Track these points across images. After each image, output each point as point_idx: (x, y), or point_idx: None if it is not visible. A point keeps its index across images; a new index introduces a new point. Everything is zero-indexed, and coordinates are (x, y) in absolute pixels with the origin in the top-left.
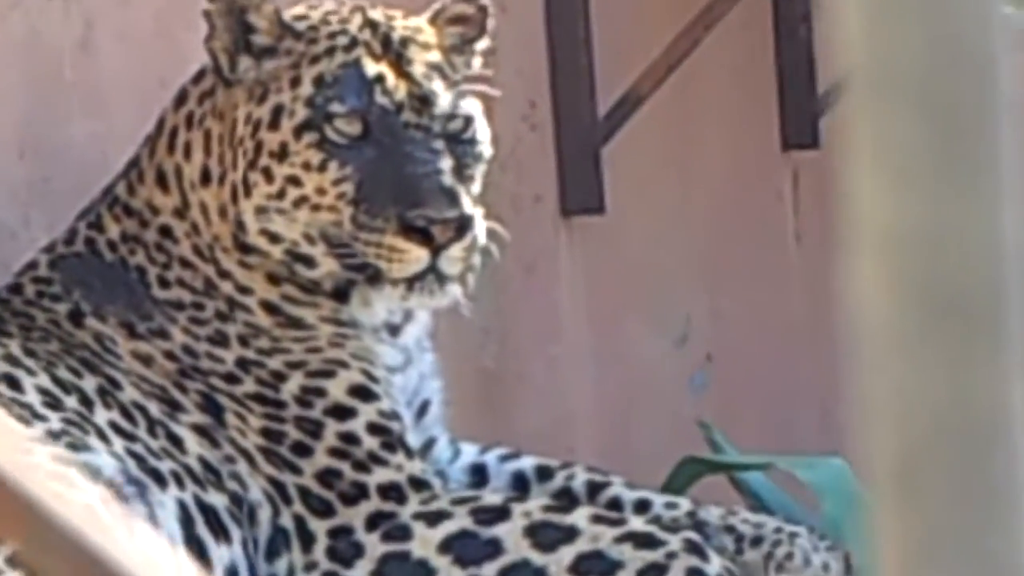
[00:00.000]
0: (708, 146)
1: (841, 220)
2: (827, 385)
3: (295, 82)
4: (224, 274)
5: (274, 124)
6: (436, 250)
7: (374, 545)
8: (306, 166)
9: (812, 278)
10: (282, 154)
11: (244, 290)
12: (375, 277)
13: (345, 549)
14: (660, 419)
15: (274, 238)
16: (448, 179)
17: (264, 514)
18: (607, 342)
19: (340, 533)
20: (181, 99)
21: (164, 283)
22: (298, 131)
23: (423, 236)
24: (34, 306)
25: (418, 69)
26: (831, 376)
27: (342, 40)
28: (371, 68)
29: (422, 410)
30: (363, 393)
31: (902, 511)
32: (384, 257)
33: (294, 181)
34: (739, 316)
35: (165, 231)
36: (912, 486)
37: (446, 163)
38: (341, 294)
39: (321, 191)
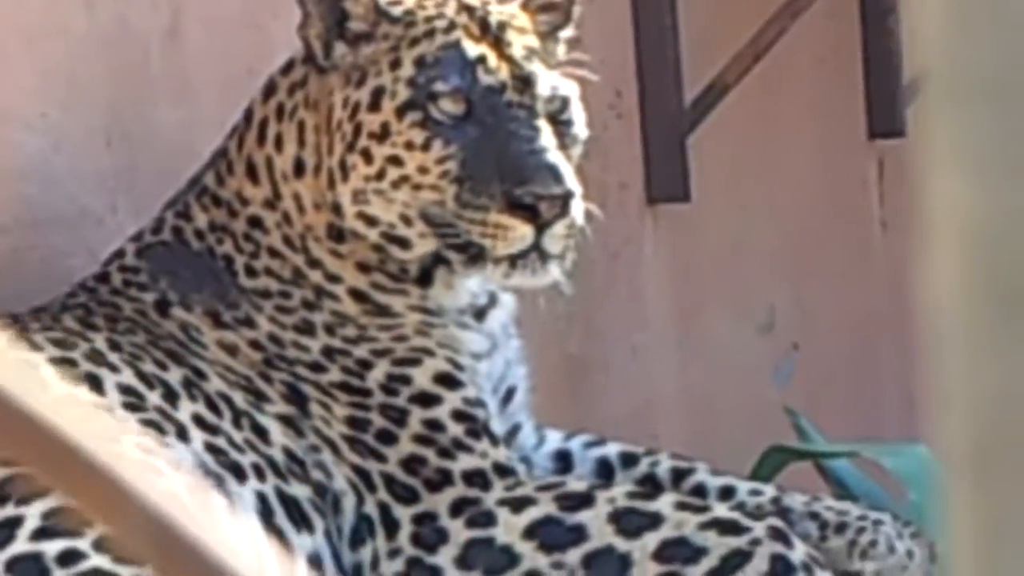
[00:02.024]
0: (794, 135)
1: (919, 214)
2: (912, 373)
3: (395, 64)
4: (314, 263)
5: (375, 105)
6: (540, 227)
7: (458, 531)
8: (408, 145)
9: (897, 266)
10: (383, 134)
11: (333, 278)
12: (478, 256)
13: (429, 535)
14: (744, 407)
15: (371, 221)
16: (553, 156)
17: (348, 503)
18: (692, 330)
19: (424, 519)
20: (270, 90)
21: (251, 272)
22: (400, 111)
23: (529, 213)
24: (121, 295)
25: (518, 51)
26: (916, 364)
27: (440, 23)
28: (472, 49)
29: (508, 396)
30: (448, 381)
31: (975, 499)
32: (489, 235)
33: (395, 161)
34: (824, 305)
35: (255, 221)
36: (985, 474)
37: (550, 140)
38: (426, 278)
39: (423, 170)
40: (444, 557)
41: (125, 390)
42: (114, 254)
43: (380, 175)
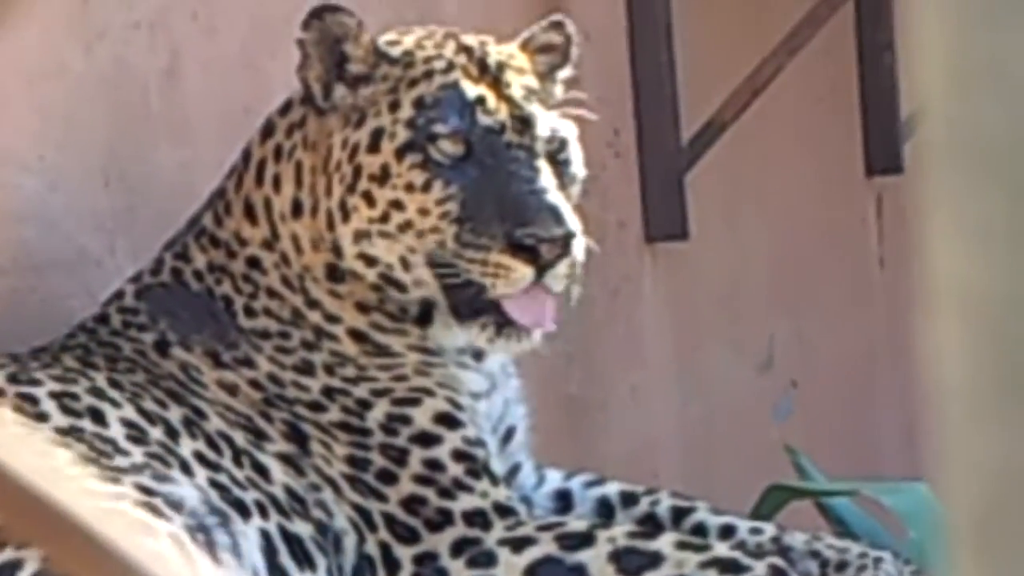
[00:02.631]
0: (792, 172)
1: (920, 282)
2: (912, 410)
3: (394, 105)
4: (313, 304)
5: (374, 147)
6: (541, 268)
7: (459, 571)
8: (409, 187)
9: (896, 303)
10: (383, 176)
11: (332, 319)
12: (475, 308)
13: (430, 575)
14: (744, 445)
15: (371, 261)
16: (553, 196)
17: (350, 542)
18: (691, 368)
19: (425, 559)
20: (268, 131)
21: (250, 312)
22: (400, 152)
23: (530, 254)
24: (120, 336)
25: (517, 91)
26: (916, 401)
27: (439, 64)
28: (471, 90)
29: (507, 436)
30: (448, 421)
31: (979, 568)
32: (489, 274)
33: (397, 205)
34: (823, 342)
35: (253, 262)
36: (988, 545)
37: (549, 181)
38: (425, 318)
39: (424, 211)
40: None
41: (128, 424)
42: (113, 295)
43: (384, 218)
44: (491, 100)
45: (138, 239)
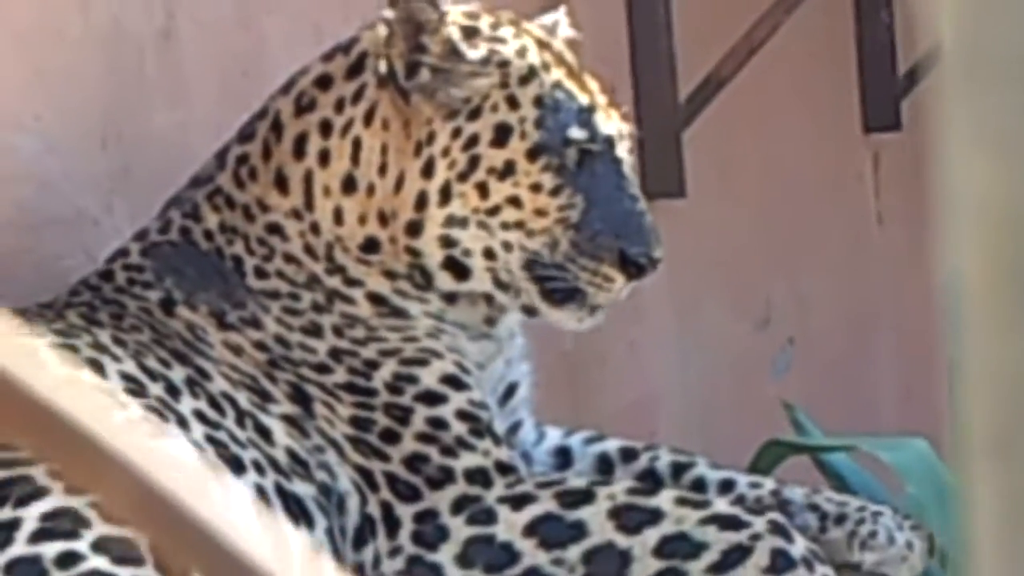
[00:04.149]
0: (789, 129)
1: (932, 197)
2: (909, 366)
3: (512, 102)
4: (335, 270)
5: (499, 142)
6: (630, 282)
7: (459, 528)
8: (535, 187)
9: (894, 259)
10: (506, 172)
11: (353, 282)
12: (568, 299)
13: (430, 533)
14: (742, 402)
15: (450, 244)
16: (651, 217)
17: (352, 503)
18: (689, 325)
19: (426, 517)
20: (308, 105)
21: (261, 273)
22: (533, 153)
23: (635, 270)
24: (125, 293)
25: (600, 97)
26: (913, 357)
27: (534, 58)
28: (581, 95)
29: (508, 393)
30: (455, 382)
31: (996, 479)
32: (595, 284)
33: (515, 201)
34: (821, 298)
35: (273, 228)
36: (1006, 454)
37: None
38: (451, 297)
39: (542, 213)
40: (445, 555)
41: (127, 377)
42: (117, 252)
43: (494, 211)
44: (600, 108)
45: (135, 199)
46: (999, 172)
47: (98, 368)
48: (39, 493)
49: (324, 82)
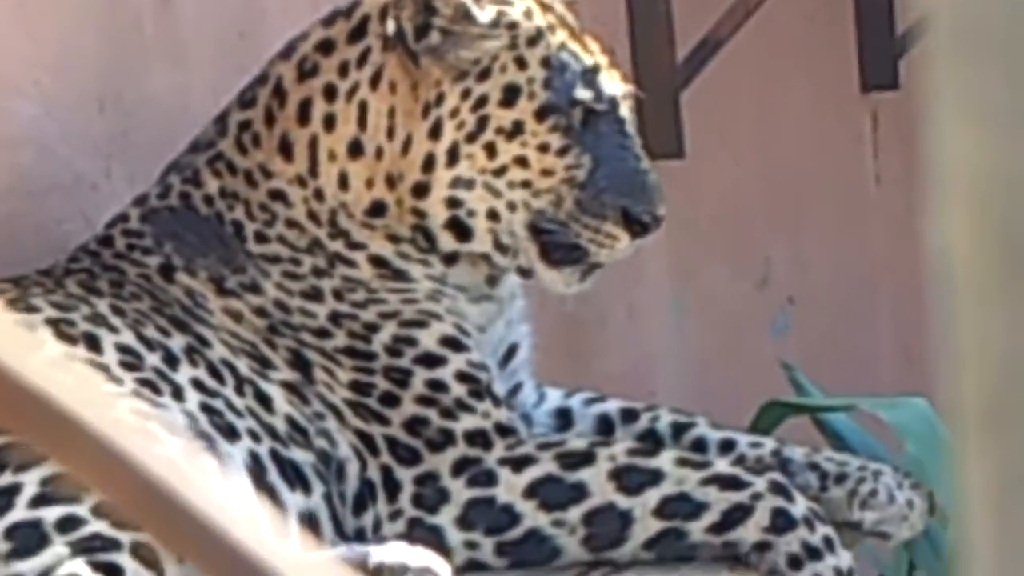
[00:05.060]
0: (787, 89)
1: (924, 165)
2: (908, 325)
3: (521, 63)
4: (337, 235)
5: (508, 103)
6: (634, 240)
7: (459, 491)
8: (543, 148)
9: (892, 219)
10: (514, 132)
11: (356, 245)
12: (569, 259)
13: (430, 496)
14: (741, 362)
15: (455, 204)
16: (654, 175)
17: (352, 469)
18: (688, 286)
19: (426, 480)
20: (311, 70)
21: (262, 238)
22: (541, 113)
23: (639, 228)
24: (124, 259)
25: (601, 57)
26: (912, 316)
27: (540, 20)
28: (585, 56)
29: (509, 355)
30: (454, 344)
31: (986, 452)
32: (598, 242)
33: (522, 161)
34: (820, 258)
35: (276, 194)
36: (996, 427)
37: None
38: (452, 258)
39: (548, 173)
40: (445, 517)
41: (123, 350)
42: (117, 217)
43: (500, 171)
44: (604, 69)
45: (133, 163)
46: (986, 142)
47: (94, 342)
48: (39, 457)
49: (326, 47)
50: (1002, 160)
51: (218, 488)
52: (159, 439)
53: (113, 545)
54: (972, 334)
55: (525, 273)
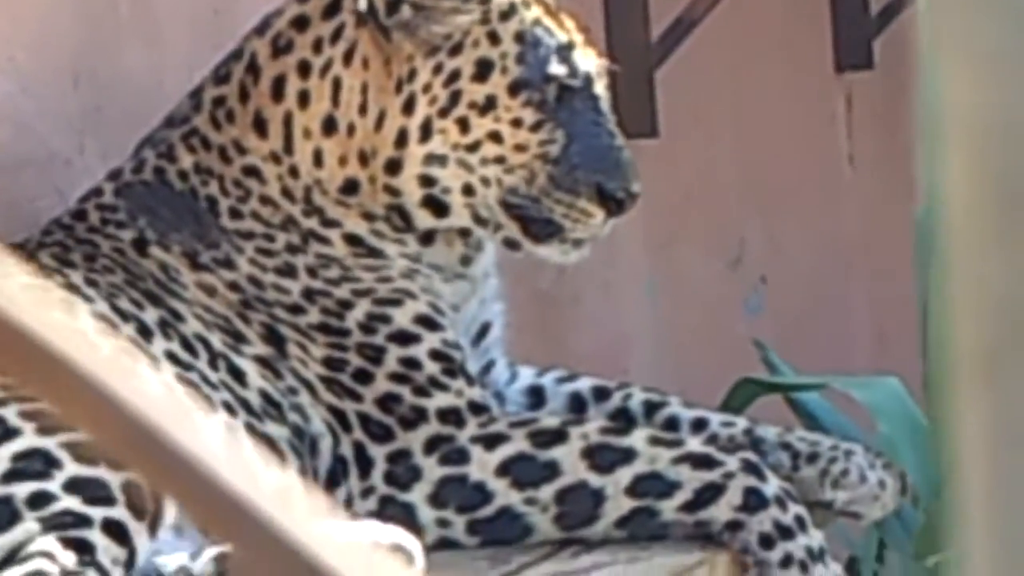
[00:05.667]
0: (761, 69)
1: (921, 113)
2: (881, 306)
3: (493, 37)
4: (312, 212)
5: (480, 77)
6: (610, 217)
7: (431, 468)
8: (516, 123)
9: (866, 199)
10: (487, 107)
11: (330, 223)
12: (548, 234)
13: (403, 473)
14: (715, 341)
15: (429, 182)
16: (628, 152)
17: (325, 444)
18: (661, 265)
19: (398, 457)
20: (282, 46)
21: (236, 214)
22: (513, 88)
23: (613, 204)
24: (98, 233)
25: (576, 34)
26: (885, 297)
27: None
28: (560, 33)
29: (482, 333)
30: (428, 322)
31: (983, 400)
32: (572, 218)
33: (495, 137)
34: (793, 238)
35: (251, 171)
36: (993, 375)
37: (619, 133)
38: (427, 238)
39: (521, 148)
40: (417, 495)
41: (98, 317)
42: (91, 192)
43: (474, 147)
44: (579, 46)
45: (107, 139)
46: (984, 84)
47: (69, 310)
48: (11, 434)
49: (300, 23)
50: (1000, 103)
51: (205, 428)
52: (147, 379)
53: (84, 522)
54: (968, 279)
55: (513, 245)
